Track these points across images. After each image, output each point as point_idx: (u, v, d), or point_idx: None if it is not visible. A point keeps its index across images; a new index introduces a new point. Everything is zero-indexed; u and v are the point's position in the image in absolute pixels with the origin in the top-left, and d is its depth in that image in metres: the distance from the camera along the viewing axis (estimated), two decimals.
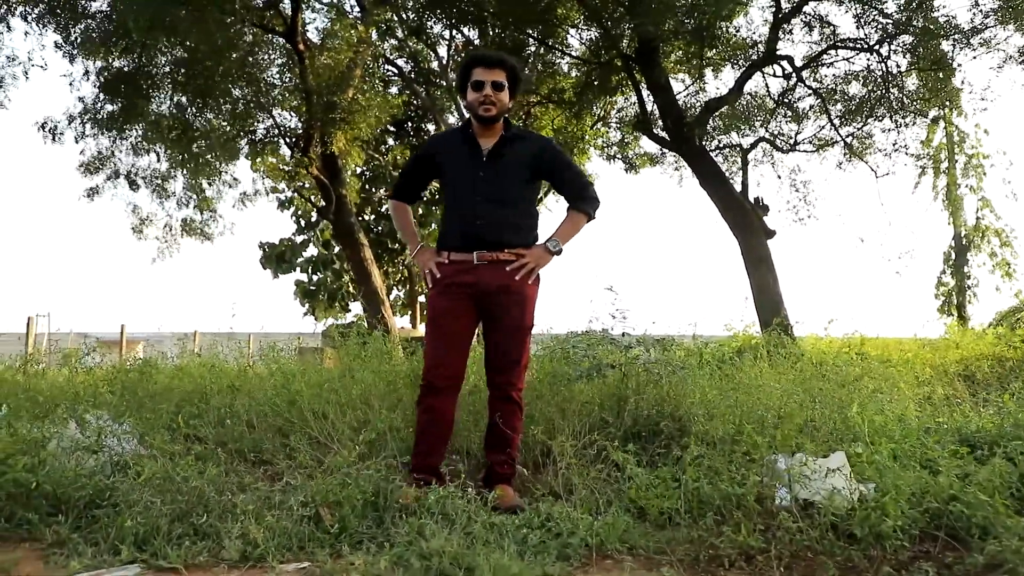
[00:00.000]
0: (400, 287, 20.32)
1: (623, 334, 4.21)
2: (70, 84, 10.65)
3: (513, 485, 2.94)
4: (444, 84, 14.37)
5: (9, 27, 9.54)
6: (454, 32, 12.52)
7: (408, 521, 2.42)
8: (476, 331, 3.13)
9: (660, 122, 9.77)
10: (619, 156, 13.26)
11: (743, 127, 11.35)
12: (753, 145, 11.52)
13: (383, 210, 18.77)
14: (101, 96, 10.69)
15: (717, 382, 3.98)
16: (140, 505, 2.44)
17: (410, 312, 19.98)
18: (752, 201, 10.07)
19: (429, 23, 11.98)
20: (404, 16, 12.67)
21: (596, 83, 9.93)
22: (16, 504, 2.58)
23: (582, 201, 3.21)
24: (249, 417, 3.74)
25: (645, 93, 9.85)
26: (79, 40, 9.69)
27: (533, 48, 10.58)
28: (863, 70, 10.41)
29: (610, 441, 2.98)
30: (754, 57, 10.17)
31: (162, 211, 11.87)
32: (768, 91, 11.46)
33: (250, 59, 11.00)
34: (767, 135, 11.68)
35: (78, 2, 9.49)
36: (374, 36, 12.32)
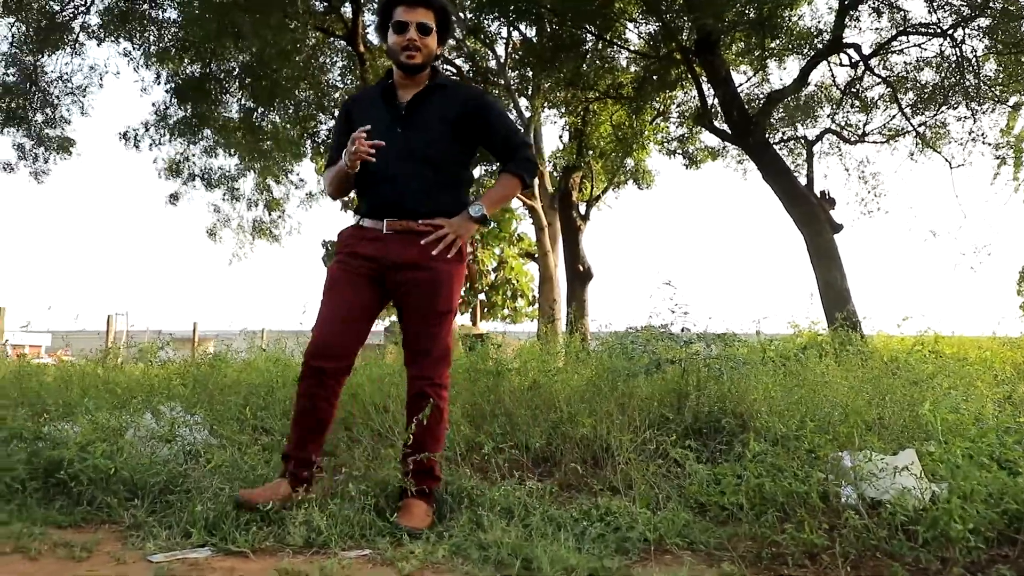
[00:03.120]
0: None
1: (683, 330, 4.16)
2: (143, 90, 11.08)
3: (431, 500, 2.53)
4: (502, 83, 14.43)
5: (90, 36, 9.96)
6: (511, 30, 12.54)
7: (466, 512, 2.45)
8: (378, 313, 2.72)
9: (721, 115, 9.60)
10: (679, 151, 13.09)
11: (808, 119, 11.06)
12: (819, 137, 11.22)
13: None
14: (174, 102, 11.10)
15: (781, 379, 3.89)
16: (210, 491, 2.54)
17: (470, 310, 20.15)
18: (818, 194, 9.81)
19: (486, 22, 12.03)
20: (461, 16, 12.77)
21: (655, 77, 9.82)
22: (97, 488, 2.71)
23: (514, 163, 2.72)
24: None
25: (705, 86, 9.70)
26: (151, 49, 10.07)
27: (591, 44, 10.51)
28: (936, 56, 10.04)
29: (669, 437, 2.95)
30: (819, 46, 9.90)
31: (234, 212, 12.25)
32: (834, 81, 11.16)
33: (312, 62, 11.28)
34: (834, 126, 11.37)
35: (148, 12, 9.85)
36: None
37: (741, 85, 10.34)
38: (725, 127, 9.52)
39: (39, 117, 10.54)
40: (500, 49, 14.29)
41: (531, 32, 12.35)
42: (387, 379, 3.89)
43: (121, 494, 2.68)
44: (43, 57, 10.13)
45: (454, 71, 15.24)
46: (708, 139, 12.89)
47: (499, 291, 20.28)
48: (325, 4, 10.86)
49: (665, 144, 13.22)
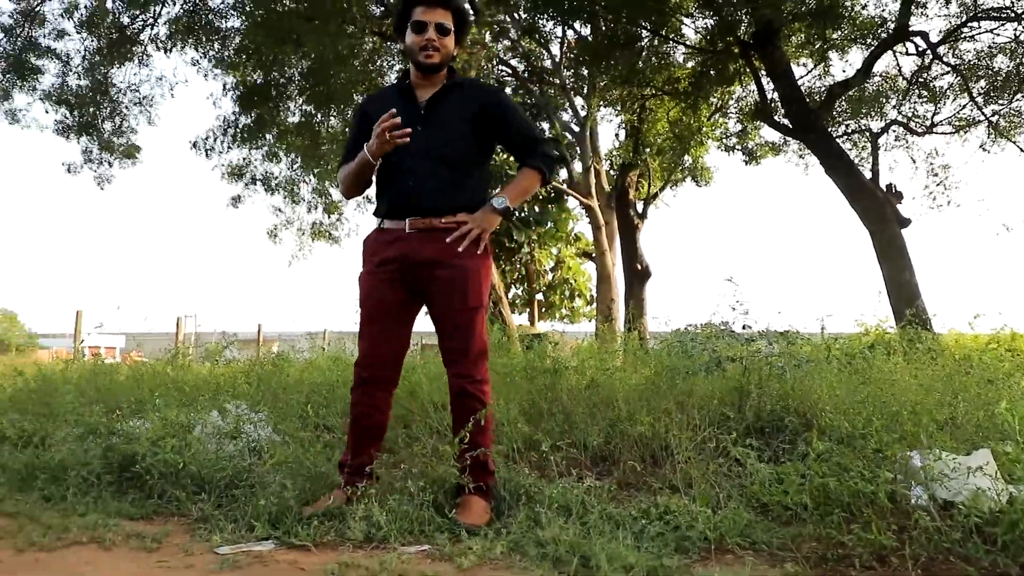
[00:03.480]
0: (518, 285, 20.54)
1: (744, 327, 4.09)
2: (213, 103, 11.45)
3: (488, 496, 2.55)
4: (557, 82, 14.40)
5: (158, 47, 10.33)
6: (565, 29, 12.50)
7: (524, 509, 2.45)
8: (415, 313, 2.74)
9: (781, 109, 9.38)
10: (738, 147, 12.85)
11: (873, 110, 10.72)
12: (884, 129, 10.87)
13: None
14: (238, 110, 11.42)
15: (846, 377, 3.79)
16: (273, 487, 2.60)
17: (529, 310, 20.17)
18: (884, 188, 9.50)
19: (541, 21, 12.02)
20: (516, 16, 12.79)
21: (713, 72, 9.66)
22: (167, 482, 2.80)
23: (534, 157, 2.71)
24: None
25: (765, 80, 9.49)
26: (215, 57, 10.39)
27: (646, 40, 10.40)
28: (1010, 42, 9.62)
29: (730, 435, 2.89)
30: (883, 35, 9.58)
31: (294, 215, 12.53)
32: (900, 71, 10.79)
33: (370, 66, 11.44)
34: (900, 117, 11.00)
35: (213, 22, 10.15)
36: (487, 38, 12.51)
37: (801, 78, 10.09)
38: (785, 121, 9.30)
39: (108, 126, 10.98)
40: (555, 48, 14.30)
41: (586, 30, 12.31)
42: (444, 377, 3.91)
43: (189, 488, 2.76)
44: (113, 68, 10.54)
45: (509, 72, 15.31)
46: (768, 134, 12.64)
47: (557, 291, 20.25)
48: (381, 9, 11.00)
49: (724, 140, 13.00)
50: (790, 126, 9.12)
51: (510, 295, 19.84)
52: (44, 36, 10.25)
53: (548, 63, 14.91)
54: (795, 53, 10.35)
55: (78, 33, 10.09)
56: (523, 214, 18.88)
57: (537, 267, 19.54)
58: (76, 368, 5.32)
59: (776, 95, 9.26)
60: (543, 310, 20.29)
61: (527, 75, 15.30)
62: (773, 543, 2.19)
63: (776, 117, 9.73)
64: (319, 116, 11.64)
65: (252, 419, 3.76)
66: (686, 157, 13.82)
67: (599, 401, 3.56)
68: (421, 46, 2.59)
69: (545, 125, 17.16)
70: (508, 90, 15.48)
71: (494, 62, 14.08)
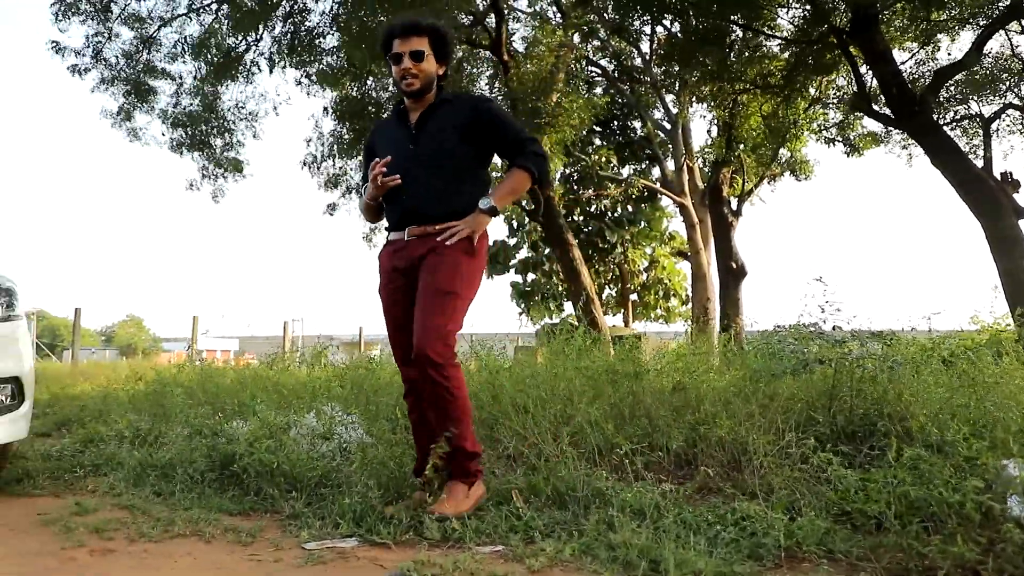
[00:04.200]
0: (612, 286, 20.41)
1: (834, 328, 3.95)
2: (315, 123, 11.92)
3: (472, 478, 2.61)
4: (648, 80, 14.25)
5: (259, 69, 10.89)
6: (655, 26, 12.35)
7: (598, 512, 2.48)
8: None
9: (882, 98, 8.94)
10: (839, 139, 12.34)
11: (984, 94, 10.07)
12: (997, 114, 10.19)
13: (592, 210, 18.99)
14: (338, 124, 11.88)
15: (945, 379, 3.60)
16: (359, 486, 2.72)
17: (623, 310, 20.00)
18: (998, 177, 8.91)
19: (630, 20, 11.92)
20: (605, 16, 12.73)
21: (808, 63, 9.31)
22: (263, 480, 2.98)
23: (522, 157, 2.79)
24: None
25: (863, 68, 9.07)
26: (316, 74, 10.84)
27: (737, 34, 10.14)
28: None
29: (816, 440, 2.82)
30: (995, 14, 8.99)
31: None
32: (1013, 50, 10.08)
33: (460, 74, 11.66)
34: (1016, 101, 10.28)
35: (313, 41, 10.60)
36: (576, 39, 12.52)
37: (903, 63, 9.60)
38: (887, 110, 8.87)
39: (218, 142, 11.65)
40: (645, 46, 14.14)
41: (675, 27, 12.12)
42: (528, 380, 3.97)
43: (282, 486, 2.93)
44: (221, 88, 11.18)
45: (599, 72, 15.27)
46: (872, 124, 12.07)
47: (651, 291, 19.98)
48: (470, 18, 11.20)
49: (823, 132, 12.50)
50: (891, 115, 8.69)
51: (604, 296, 19.73)
52: (160, 60, 10.99)
53: (638, 61, 14.77)
54: (896, 38, 9.84)
55: (190, 55, 10.75)
56: (616, 214, 18.74)
57: (631, 267, 19.35)
58: (187, 371, 5.69)
59: (876, 83, 8.84)
60: (638, 310, 20.06)
61: (617, 74, 15.21)
62: (853, 552, 2.13)
63: (876, 107, 9.28)
64: None
65: (344, 421, 3.93)
66: (783, 151, 13.37)
67: (681, 404, 3.53)
68: (401, 76, 2.76)
69: (637, 124, 17.05)
70: (599, 90, 15.44)
71: (583, 63, 14.07)
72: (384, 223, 2.95)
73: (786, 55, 10.39)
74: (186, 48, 10.83)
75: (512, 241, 19.72)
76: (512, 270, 19.91)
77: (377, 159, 2.75)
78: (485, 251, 2.84)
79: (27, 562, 2.20)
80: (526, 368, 4.40)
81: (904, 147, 11.99)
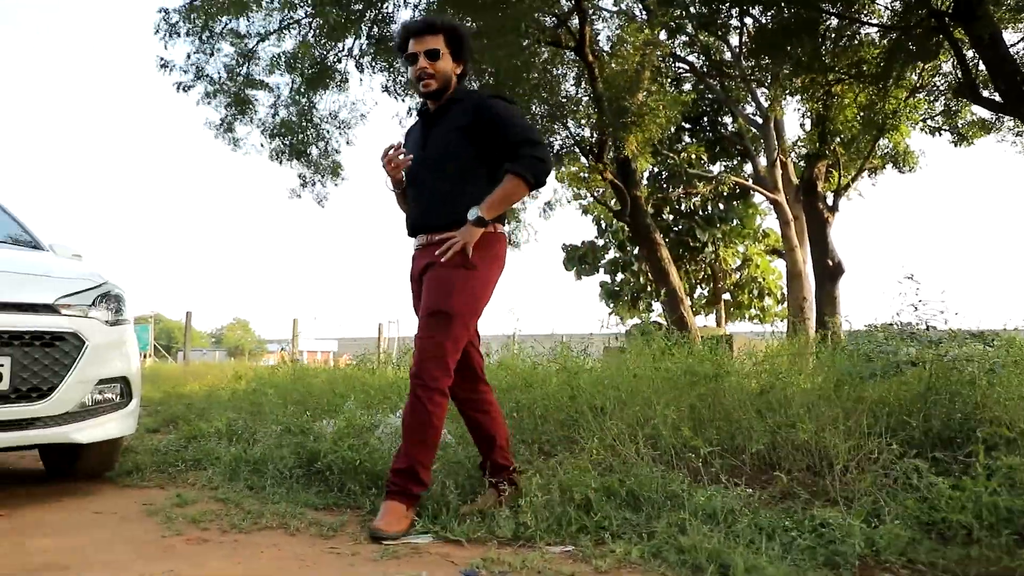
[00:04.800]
0: (703, 285, 20.01)
1: (927, 327, 3.76)
2: (399, 123, 12.25)
3: (411, 501, 2.55)
4: (737, 74, 13.89)
5: (347, 78, 11.26)
6: (743, 18, 12.03)
7: (670, 514, 2.46)
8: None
9: (992, 83, 8.39)
10: (945, 128, 11.67)
11: None
12: None
13: (682, 208, 18.68)
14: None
15: None
16: (435, 484, 2.79)
17: (715, 310, 19.57)
18: None
19: (718, 13, 11.66)
20: (693, 10, 12.51)
21: (908, 49, 8.84)
22: (346, 477, 3.11)
23: (516, 162, 2.62)
24: (542, 411, 4.01)
25: (969, 52, 8.55)
26: (402, 82, 11.13)
27: (829, 23, 9.75)
28: None
29: (908, 446, 2.71)
30: None
31: None
32: None
33: (546, 76, 11.71)
34: None
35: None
36: (662, 36, 12.35)
37: (1015, 45, 8.97)
38: (996, 96, 8.32)
39: (314, 150, 12.13)
40: (734, 39, 13.79)
41: (765, 18, 11.76)
42: (607, 381, 3.97)
43: (364, 483, 3.04)
44: (315, 97, 11.63)
45: (687, 68, 15.00)
46: (980, 111, 11.37)
47: (745, 290, 19.45)
48: (554, 19, 11.23)
49: (927, 121, 11.85)
50: (1001, 101, 8.15)
51: (695, 295, 19.36)
52: (258, 72, 11.53)
53: (727, 55, 14.42)
54: (1006, 18, 9.22)
55: (285, 66, 11.23)
56: (706, 212, 18.36)
57: (722, 266, 18.89)
58: (281, 372, 5.96)
59: (984, 68, 8.31)
60: (731, 310, 19.57)
61: (705, 70, 14.89)
62: (937, 564, 2.04)
63: (985, 92, 8.72)
64: None
65: None
66: (883, 142, 12.77)
67: (763, 406, 3.45)
68: (417, 76, 2.73)
69: (727, 119, 16.64)
70: (687, 86, 15.16)
71: (670, 60, 13.86)
72: None
73: (883, 42, 9.91)
74: (282, 61, 11.31)
75: (600, 242, 19.62)
76: (601, 270, 19.80)
77: (392, 147, 2.76)
78: (494, 259, 2.71)
79: (130, 548, 2.38)
80: (607, 369, 4.39)
81: (1017, 134, 11.24)
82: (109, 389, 3.25)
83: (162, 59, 10.58)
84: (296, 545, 2.41)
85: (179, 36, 10.17)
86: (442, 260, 2.57)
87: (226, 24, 10.79)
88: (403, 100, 11.75)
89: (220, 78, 11.01)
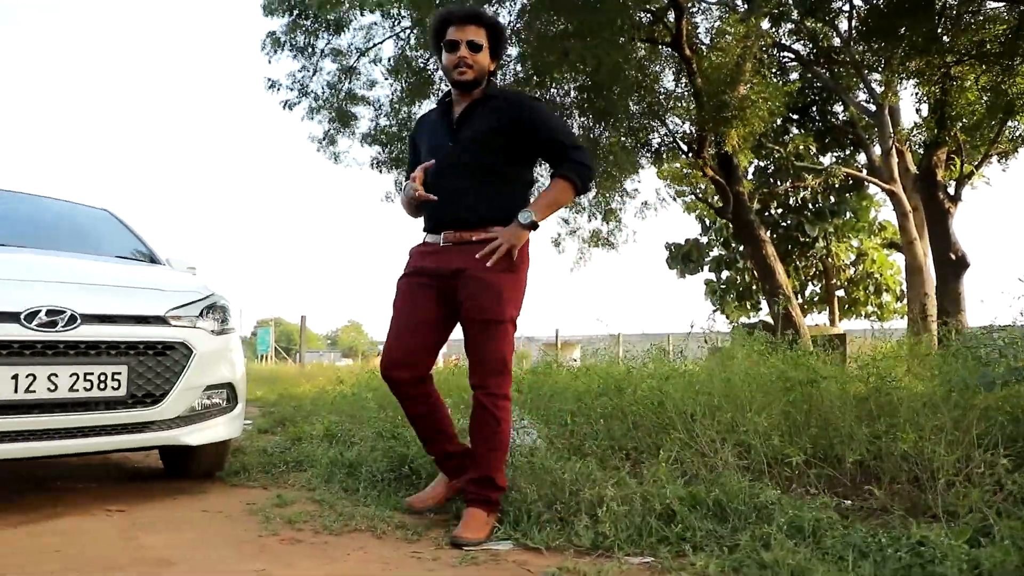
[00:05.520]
0: (815, 282, 19.18)
1: None
2: None
3: (492, 508, 2.63)
4: (847, 60, 13.24)
5: (440, 91, 11.46)
6: (853, 1, 11.47)
7: (756, 528, 2.38)
8: (450, 324, 2.77)
9: None
10: None
11: None
12: None
13: (791, 203, 17.98)
14: None
15: None
16: (513, 492, 2.81)
17: (828, 308, 18.72)
18: None
19: None
20: None
21: None
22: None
23: (565, 165, 2.66)
24: (634, 416, 3.97)
25: None
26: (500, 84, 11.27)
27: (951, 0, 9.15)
28: None
29: (1018, 459, 2.52)
30: None
31: (575, 224, 13.10)
32: None
33: (644, 73, 11.55)
34: None
35: None
36: (765, 25, 11.94)
37: None
38: None
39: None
40: (844, 24, 13.15)
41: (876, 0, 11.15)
42: (698, 386, 3.88)
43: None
44: (415, 108, 11.93)
45: (791, 56, 14.42)
46: None
47: (860, 286, 18.50)
48: (650, 16, 11.06)
49: None
50: None
51: (807, 292, 18.58)
52: (359, 87, 11.95)
53: (836, 41, 13.77)
54: None
55: (386, 80, 11.60)
56: (817, 205, 17.59)
57: (835, 261, 18.03)
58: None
59: None
60: (846, 307, 18.65)
61: (813, 57, 14.27)
62: None
63: None
64: (598, 129, 12.00)
65: (517, 425, 4.06)
66: (1013, 124, 11.83)
67: (864, 413, 3.29)
68: (455, 64, 2.66)
69: (838, 108, 15.87)
70: (794, 76, 14.58)
71: (775, 50, 13.38)
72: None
73: (1010, 16, 9.19)
74: (382, 73, 11.68)
75: (705, 239, 19.17)
76: (706, 268, 19.35)
77: (421, 160, 2.74)
78: (527, 263, 2.73)
79: (228, 545, 2.53)
80: (702, 372, 4.30)
81: None
82: (216, 395, 3.45)
83: (269, 79, 11.15)
84: (382, 548, 2.49)
85: (282, 52, 10.67)
86: (488, 264, 2.57)
87: (328, 41, 11.24)
88: None
89: (323, 94, 11.47)
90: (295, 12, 10.86)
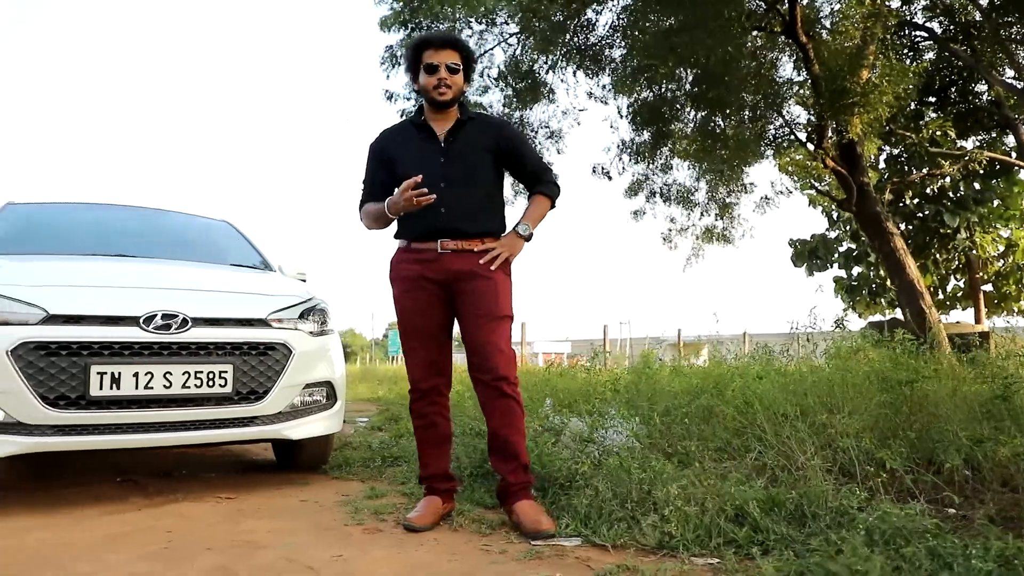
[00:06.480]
0: (958, 276, 17.82)
1: None
2: (610, 126, 12.34)
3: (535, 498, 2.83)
4: (989, 34, 12.24)
5: (553, 91, 11.56)
6: None
7: (833, 533, 2.30)
8: (453, 327, 2.94)
9: None
10: None
11: None
12: None
13: (927, 191, 16.78)
14: (633, 131, 12.13)
15: None
16: (590, 489, 2.84)
17: (972, 304, 17.34)
18: None
19: None
20: None
21: None
22: None
23: (544, 185, 3.01)
24: (724, 417, 3.88)
25: None
26: (607, 85, 11.23)
27: None
28: None
29: None
30: None
31: (688, 220, 12.83)
32: None
33: (758, 62, 11.16)
34: None
35: (601, 53, 11.00)
36: (895, 3, 11.25)
37: None
38: None
39: None
40: None
41: None
42: (791, 387, 3.75)
43: (537, 485, 3.14)
44: (527, 111, 12.08)
45: (925, 35, 13.47)
46: None
47: (1010, 279, 16.99)
48: (762, 4, 10.68)
49: None
50: None
51: (948, 287, 17.28)
52: (472, 93, 12.21)
53: (977, 16, 12.74)
54: None
55: (496, 86, 11.80)
56: (959, 194, 16.32)
57: (980, 253, 16.65)
58: None
59: None
60: (995, 303, 17.19)
61: (952, 33, 13.27)
62: None
63: None
64: (712, 122, 11.72)
65: (609, 425, 4.07)
66: None
67: (965, 417, 3.08)
68: (434, 85, 2.84)
69: (982, 87, 14.68)
70: (930, 55, 13.64)
71: (905, 30, 12.58)
72: (389, 230, 3.00)
73: None
74: (496, 77, 11.89)
75: (832, 234, 18.23)
76: (835, 264, 18.39)
77: (401, 173, 2.81)
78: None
79: (316, 533, 2.70)
80: (795, 372, 4.15)
81: None
82: (316, 392, 3.67)
83: (387, 91, 11.60)
84: (455, 540, 2.59)
85: (400, 66, 11.08)
86: (491, 268, 2.81)
87: None
88: (606, 103, 11.80)
89: None
90: (409, 27, 11.24)
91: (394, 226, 2.99)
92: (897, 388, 3.33)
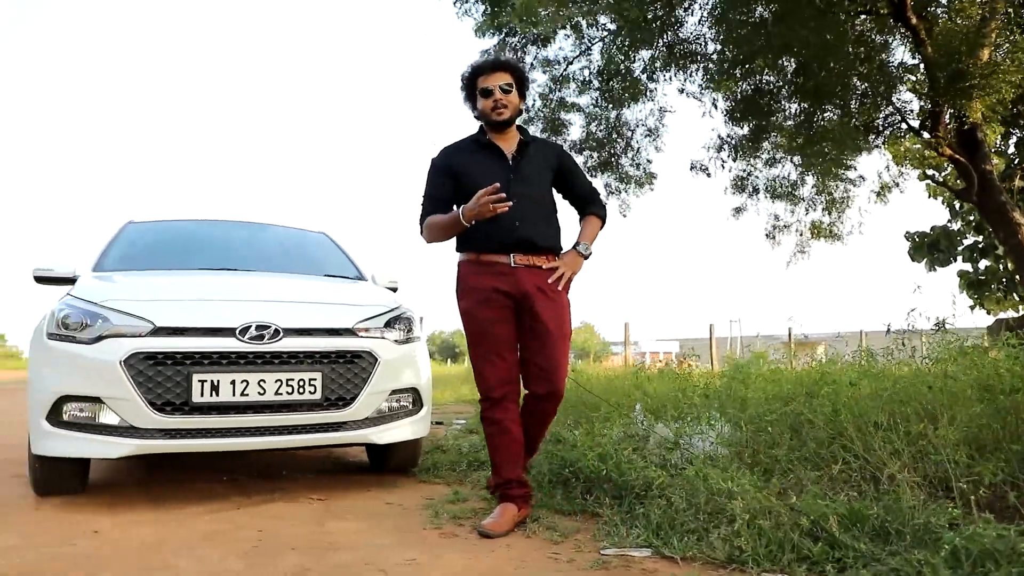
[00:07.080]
0: None
1: None
2: (704, 114, 12.04)
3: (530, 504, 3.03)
4: None
5: (642, 91, 11.40)
6: None
7: (913, 553, 2.19)
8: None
9: None
10: None
11: None
12: None
13: None
14: (730, 126, 11.81)
15: None
16: (659, 500, 2.81)
17: None
18: None
19: None
20: None
21: None
22: (593, 486, 3.26)
23: (596, 205, 3.23)
24: (813, 425, 3.74)
25: None
26: (704, 80, 10.99)
27: None
28: None
29: None
30: None
31: (792, 217, 12.35)
32: None
33: (861, 49, 10.63)
34: None
35: (693, 49, 10.79)
36: None
37: None
38: None
39: (624, 160, 12.44)
40: None
41: None
42: (885, 395, 3.57)
43: (610, 493, 3.15)
44: (623, 110, 11.96)
45: None
46: None
47: None
48: None
49: None
50: None
51: None
52: (569, 94, 12.21)
53: None
54: None
55: (596, 86, 11.75)
56: None
57: None
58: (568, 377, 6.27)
59: None
60: None
61: None
62: None
63: None
64: (817, 113, 11.24)
65: (694, 431, 4.00)
66: None
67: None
68: (492, 107, 3.01)
69: None
70: None
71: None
72: (450, 242, 3.11)
73: None
74: (593, 76, 11.85)
75: (954, 226, 17.08)
76: (958, 258, 17.22)
77: (470, 186, 2.92)
78: None
79: (392, 536, 2.81)
80: (889, 378, 3.94)
81: None
82: (402, 398, 3.80)
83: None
84: (526, 547, 2.63)
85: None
86: (559, 287, 3.01)
87: (535, 55, 11.63)
88: (700, 99, 11.53)
89: (535, 105, 11.86)
90: (503, 32, 11.37)
91: (453, 240, 3.10)
92: (1000, 398, 3.12)
